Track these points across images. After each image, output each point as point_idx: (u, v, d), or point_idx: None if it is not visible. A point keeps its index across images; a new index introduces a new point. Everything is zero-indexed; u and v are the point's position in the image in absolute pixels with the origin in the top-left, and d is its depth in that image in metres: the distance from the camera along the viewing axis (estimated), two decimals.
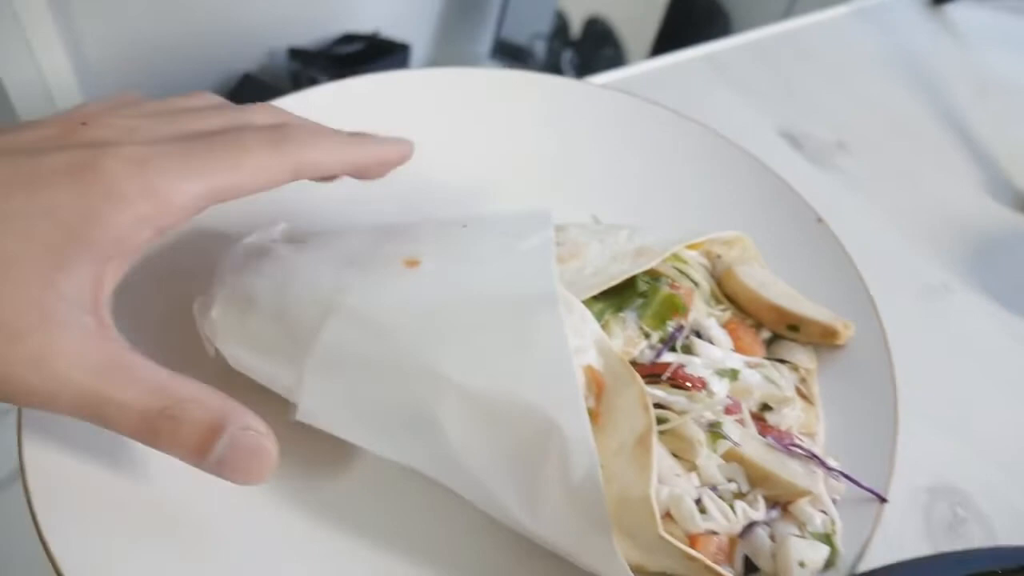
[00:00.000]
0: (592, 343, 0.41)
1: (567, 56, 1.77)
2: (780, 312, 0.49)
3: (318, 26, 1.35)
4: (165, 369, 0.36)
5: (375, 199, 0.50)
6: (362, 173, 0.44)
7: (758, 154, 0.60)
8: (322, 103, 0.57)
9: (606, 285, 0.43)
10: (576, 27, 1.90)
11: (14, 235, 0.35)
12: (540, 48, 1.68)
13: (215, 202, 0.39)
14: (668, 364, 0.43)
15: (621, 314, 0.44)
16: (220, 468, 0.36)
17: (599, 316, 0.43)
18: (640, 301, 0.45)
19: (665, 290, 0.45)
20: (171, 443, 0.36)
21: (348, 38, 1.36)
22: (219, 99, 0.44)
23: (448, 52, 1.53)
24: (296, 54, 1.30)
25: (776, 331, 0.49)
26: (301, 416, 0.42)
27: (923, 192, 0.66)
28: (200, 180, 0.38)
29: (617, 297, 0.45)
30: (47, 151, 0.37)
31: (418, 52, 1.46)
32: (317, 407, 0.42)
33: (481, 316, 0.40)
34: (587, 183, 0.58)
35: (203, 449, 0.36)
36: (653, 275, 0.47)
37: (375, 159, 0.44)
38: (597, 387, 0.40)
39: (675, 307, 0.45)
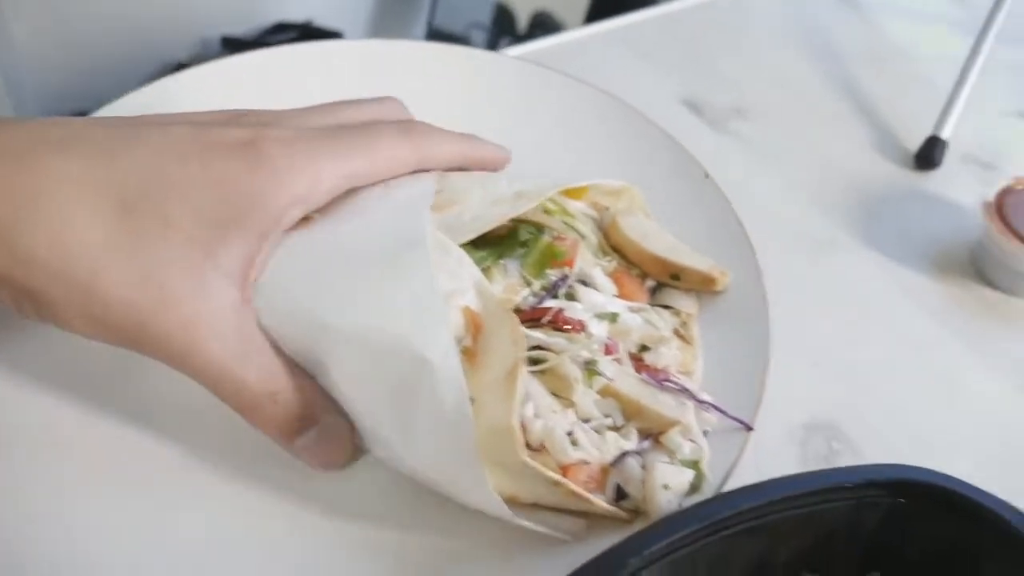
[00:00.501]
0: (471, 285, 0.43)
1: (504, 43, 1.79)
2: (662, 262, 0.51)
3: (251, 15, 1.35)
4: (279, 355, 0.41)
5: None
6: (465, 168, 0.49)
7: (661, 120, 0.62)
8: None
9: (484, 229, 0.44)
10: (523, 21, 1.92)
11: (187, 203, 0.38)
12: (479, 38, 1.69)
13: (351, 185, 0.43)
14: (549, 309, 0.45)
15: (502, 262, 0.46)
16: (302, 452, 0.42)
17: (480, 263, 0.45)
18: (522, 251, 0.47)
19: (546, 240, 0.47)
20: (267, 422, 0.40)
21: (281, 27, 1.36)
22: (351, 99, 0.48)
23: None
24: (229, 43, 1.30)
25: (660, 279, 0.52)
26: None
27: (816, 153, 0.69)
28: (343, 163, 0.42)
29: (499, 246, 0.47)
30: (220, 125, 0.41)
31: (352, 40, 1.46)
32: None
33: (357, 263, 0.42)
34: None
35: (293, 434, 0.41)
36: (538, 227, 0.49)
37: (482, 158, 0.49)
38: (475, 327, 0.42)
39: (554, 256, 0.46)
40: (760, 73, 0.76)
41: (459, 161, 0.48)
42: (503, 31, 1.83)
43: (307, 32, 1.39)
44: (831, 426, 0.52)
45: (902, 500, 0.40)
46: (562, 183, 0.48)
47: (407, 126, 0.46)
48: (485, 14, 1.74)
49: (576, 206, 0.52)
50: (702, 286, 0.51)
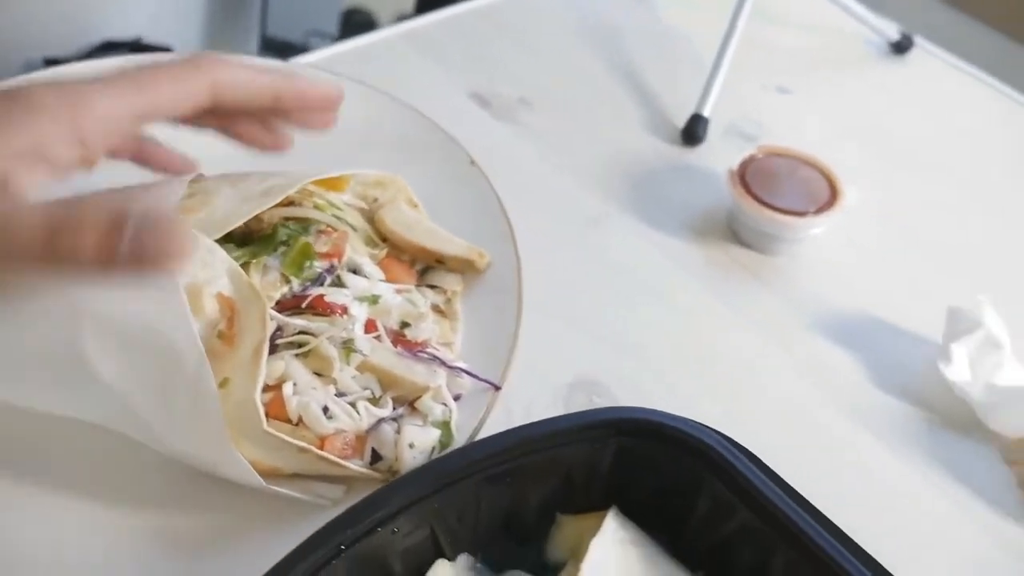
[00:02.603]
0: (224, 272, 0.46)
1: (320, 46, 1.80)
2: (424, 250, 0.55)
3: (76, 35, 1.33)
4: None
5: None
6: (286, 108, 0.46)
7: (450, 113, 0.67)
8: None
9: (233, 225, 0.48)
10: (384, 21, 1.93)
11: None
12: (319, 45, 1.70)
13: (138, 123, 0.41)
14: (308, 296, 0.49)
15: (258, 261, 0.49)
16: (135, 262, 0.36)
17: (238, 260, 0.48)
18: (283, 249, 0.50)
19: (304, 239, 0.50)
20: (76, 255, 0.35)
21: (109, 46, 1.35)
22: None
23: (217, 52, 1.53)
24: (52, 64, 1.29)
25: (427, 263, 0.56)
26: None
27: (594, 137, 0.75)
28: (120, 97, 0.40)
29: (257, 246, 0.50)
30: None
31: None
32: None
33: None
34: None
35: (109, 248, 0.35)
36: (304, 224, 0.52)
37: (300, 92, 0.46)
38: (230, 311, 0.45)
39: (309, 255, 0.50)
40: (544, 66, 0.81)
41: (268, 93, 0.45)
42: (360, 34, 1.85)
43: (136, 49, 1.38)
44: (594, 383, 0.57)
45: (625, 438, 0.46)
46: (313, 175, 0.52)
47: (197, 57, 0.43)
48: (330, 21, 1.76)
49: (344, 199, 0.56)
50: (465, 267, 0.55)
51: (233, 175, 0.51)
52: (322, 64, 0.76)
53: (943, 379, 0.57)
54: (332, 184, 0.55)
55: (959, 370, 0.57)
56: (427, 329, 0.51)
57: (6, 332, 0.44)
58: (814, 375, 0.59)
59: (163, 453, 0.46)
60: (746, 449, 0.45)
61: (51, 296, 0.44)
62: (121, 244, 0.35)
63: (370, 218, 0.56)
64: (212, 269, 0.45)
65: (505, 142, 0.73)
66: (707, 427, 0.46)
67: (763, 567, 0.43)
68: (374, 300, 0.50)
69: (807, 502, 0.43)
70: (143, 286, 0.42)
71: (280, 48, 1.59)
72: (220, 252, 0.46)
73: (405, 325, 0.51)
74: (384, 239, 0.56)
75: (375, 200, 0.57)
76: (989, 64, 0.89)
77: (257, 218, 0.50)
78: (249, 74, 0.44)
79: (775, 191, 0.65)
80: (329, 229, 0.52)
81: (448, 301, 0.54)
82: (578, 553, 0.45)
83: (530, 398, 0.54)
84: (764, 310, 0.63)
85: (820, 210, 0.64)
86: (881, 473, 0.54)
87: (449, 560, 0.44)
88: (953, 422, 0.57)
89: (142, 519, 0.45)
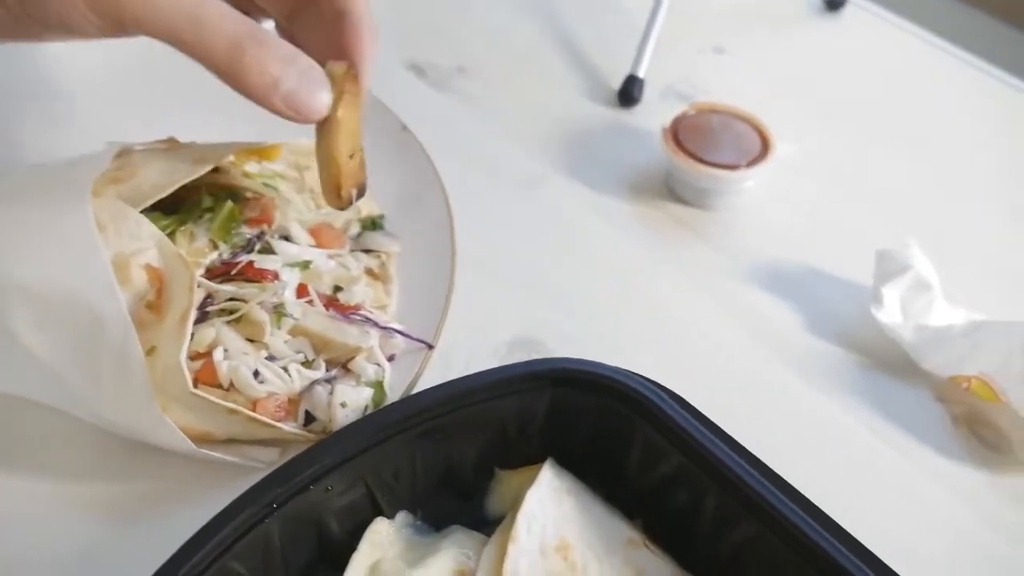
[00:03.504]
0: (152, 244, 0.46)
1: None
2: None
3: None
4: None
5: None
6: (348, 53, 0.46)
7: (387, 84, 0.66)
8: None
9: (162, 194, 0.47)
10: None
11: None
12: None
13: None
14: (238, 263, 0.49)
15: (185, 228, 0.49)
16: (285, 100, 0.41)
17: (164, 230, 0.48)
18: (208, 215, 0.50)
19: (228, 204, 0.50)
20: (248, 80, 0.39)
21: None
22: None
23: None
24: None
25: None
26: None
27: (532, 102, 0.75)
28: None
29: (184, 214, 0.49)
30: None
31: None
32: None
33: (32, 226, 0.44)
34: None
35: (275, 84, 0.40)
36: (231, 190, 0.52)
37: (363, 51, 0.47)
38: (158, 282, 0.45)
39: (235, 219, 0.50)
40: (481, 34, 0.81)
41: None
42: None
43: None
44: (533, 340, 0.57)
45: (558, 389, 0.46)
46: (242, 144, 0.51)
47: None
48: None
49: (275, 168, 0.55)
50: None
51: (165, 149, 0.51)
52: None
53: (875, 322, 0.58)
54: (263, 153, 0.55)
55: (890, 312, 0.58)
56: (360, 292, 0.51)
57: None
58: (750, 325, 0.60)
59: (96, 424, 0.45)
60: (675, 394, 0.45)
61: None
62: (287, 82, 0.40)
63: (302, 187, 0.56)
64: (140, 240, 0.45)
65: (442, 110, 0.73)
66: (637, 375, 0.46)
67: (696, 509, 0.44)
68: (305, 265, 0.50)
69: (737, 443, 0.44)
70: (68, 255, 0.42)
71: None
72: (147, 223, 0.46)
73: (338, 289, 0.51)
74: (319, 206, 0.55)
75: (307, 168, 0.57)
76: (932, 22, 0.91)
77: (186, 188, 0.50)
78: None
79: (708, 147, 0.65)
80: (258, 195, 0.52)
81: (382, 264, 0.54)
82: (516, 507, 0.45)
83: (469, 357, 0.54)
84: (701, 263, 0.64)
85: (752, 163, 0.65)
86: (815, 416, 0.55)
87: (388, 518, 0.44)
88: (886, 364, 0.58)
89: (75, 489, 0.45)
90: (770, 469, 0.43)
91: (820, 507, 0.41)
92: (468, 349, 0.55)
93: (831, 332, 0.60)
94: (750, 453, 0.43)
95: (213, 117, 0.60)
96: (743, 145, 0.66)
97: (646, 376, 0.46)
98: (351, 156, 0.45)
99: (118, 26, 0.38)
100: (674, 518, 0.45)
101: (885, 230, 0.67)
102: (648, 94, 0.76)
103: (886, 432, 0.55)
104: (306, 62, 0.41)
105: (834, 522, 0.41)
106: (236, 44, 0.39)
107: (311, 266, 0.50)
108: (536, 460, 0.47)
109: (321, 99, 0.42)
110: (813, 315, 0.60)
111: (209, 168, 0.49)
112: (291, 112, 0.41)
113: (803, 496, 0.42)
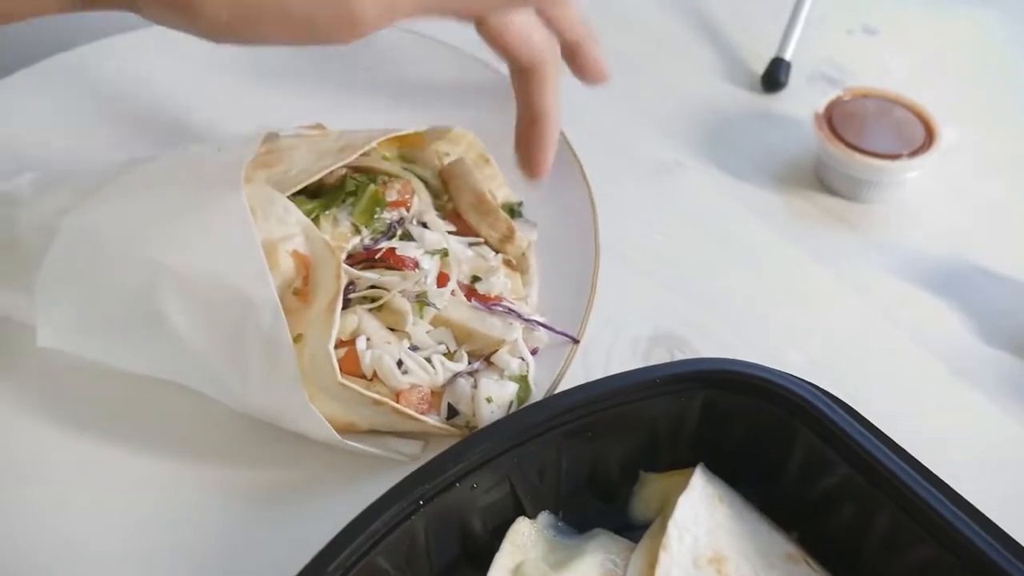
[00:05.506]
0: (299, 230, 0.45)
1: None
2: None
3: None
4: None
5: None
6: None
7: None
8: None
9: (309, 180, 0.47)
10: None
11: None
12: None
13: None
14: (380, 249, 0.48)
15: (331, 212, 0.48)
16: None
17: (309, 215, 0.47)
18: (351, 200, 0.49)
19: (373, 187, 0.49)
20: None
21: None
22: None
23: None
24: None
25: None
26: (43, 341, 0.46)
27: (667, 84, 0.72)
28: None
29: (328, 198, 0.49)
30: None
31: None
32: (56, 327, 0.46)
33: (185, 211, 0.44)
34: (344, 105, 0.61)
35: None
36: (370, 175, 0.51)
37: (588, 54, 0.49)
38: (305, 268, 0.45)
39: (379, 202, 0.49)
40: (617, 19, 0.78)
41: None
42: None
43: None
44: (675, 336, 0.54)
45: (712, 391, 0.43)
46: (389, 131, 0.50)
47: None
48: None
49: (416, 154, 0.54)
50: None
51: (312, 135, 0.50)
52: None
53: None
54: (408, 141, 0.54)
55: None
56: (498, 283, 0.49)
57: (88, 289, 0.45)
58: (911, 327, 0.55)
59: (240, 410, 0.45)
60: (841, 400, 0.42)
61: (131, 253, 0.44)
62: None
63: (440, 174, 0.55)
64: (288, 227, 0.45)
65: (570, 92, 0.70)
66: (798, 378, 0.43)
67: (864, 526, 0.41)
68: (444, 254, 0.49)
69: (910, 455, 0.40)
70: (222, 242, 0.42)
71: None
72: (295, 210, 0.45)
73: (476, 279, 0.50)
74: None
75: (447, 155, 0.55)
76: None
77: (328, 174, 0.49)
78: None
79: (865, 134, 0.61)
80: (392, 178, 0.51)
81: (522, 254, 0.52)
82: (665, 512, 0.43)
83: (608, 352, 0.52)
84: (855, 259, 0.59)
85: (915, 153, 0.60)
86: (987, 428, 0.51)
87: (530, 518, 0.43)
88: None
89: (221, 475, 0.45)
90: (950, 487, 0.39)
91: (1006, 532, 0.38)
92: (606, 344, 0.53)
93: (1002, 337, 0.55)
94: (927, 468, 0.40)
95: (357, 102, 0.61)
96: (904, 133, 0.61)
97: (806, 379, 0.43)
98: None
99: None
100: (837, 534, 0.42)
101: None
102: (794, 78, 0.71)
103: None
104: None
105: (1022, 547, 0.37)
106: None
107: (449, 254, 0.49)
108: (684, 465, 0.45)
109: None
110: (982, 318, 0.56)
111: (357, 155, 0.48)
112: None
113: (987, 518, 0.38)
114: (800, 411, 0.42)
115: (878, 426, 0.41)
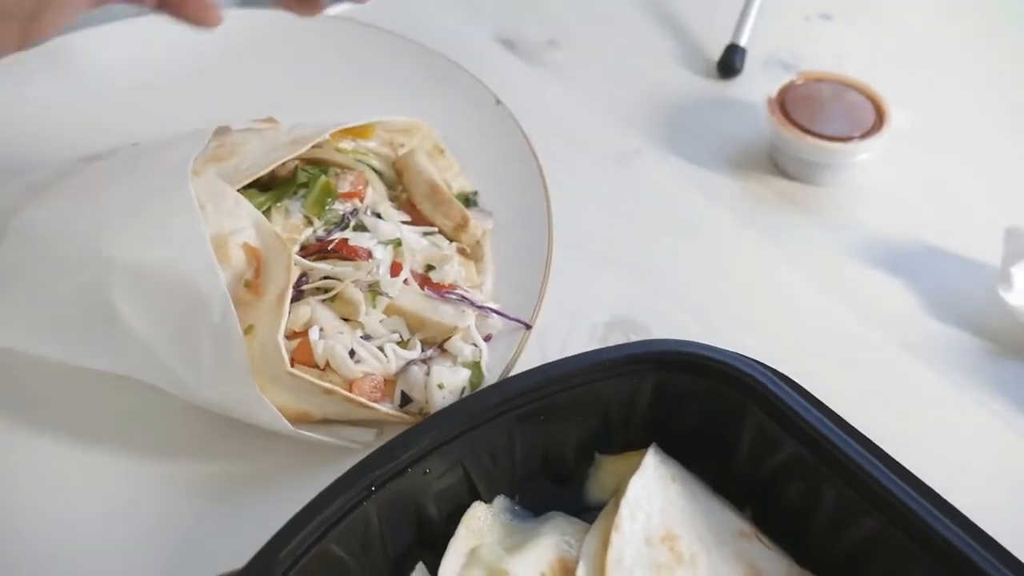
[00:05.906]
0: (250, 223, 0.45)
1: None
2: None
3: None
4: None
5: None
6: None
7: (477, 58, 0.65)
8: None
9: (260, 173, 0.47)
10: None
11: None
12: None
13: None
14: (333, 240, 0.48)
15: (280, 204, 0.48)
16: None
17: (260, 207, 0.47)
18: (303, 192, 0.49)
19: (323, 179, 0.49)
20: None
21: None
22: None
23: None
24: None
25: None
26: None
27: (626, 74, 0.72)
28: None
29: (279, 190, 0.49)
30: None
31: None
32: (7, 326, 0.45)
33: (134, 207, 0.44)
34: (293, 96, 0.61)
35: None
36: (322, 166, 0.51)
37: None
38: (256, 261, 0.45)
39: (330, 193, 0.49)
40: (572, 6, 0.78)
41: None
42: None
43: None
44: (631, 321, 0.55)
45: (664, 372, 0.44)
46: (340, 124, 0.50)
47: None
48: None
49: (369, 145, 0.54)
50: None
51: (263, 128, 0.50)
52: (349, 12, 0.74)
53: (1004, 305, 0.54)
54: (359, 132, 0.54)
55: (1021, 294, 0.54)
56: (453, 271, 0.49)
57: (38, 287, 0.44)
58: (863, 306, 0.56)
59: (195, 403, 0.45)
60: (787, 377, 0.43)
61: (81, 250, 0.43)
62: None
63: (393, 164, 0.55)
64: (238, 220, 0.45)
65: (533, 84, 0.71)
66: (746, 357, 0.44)
67: (813, 502, 0.41)
68: (397, 243, 0.49)
69: (859, 433, 0.41)
70: (169, 235, 0.42)
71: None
72: (245, 203, 0.45)
73: (430, 268, 0.50)
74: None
75: (401, 145, 0.55)
76: None
77: (280, 166, 0.49)
78: None
79: (817, 118, 0.61)
80: (345, 169, 0.51)
81: (476, 242, 0.53)
82: (619, 493, 0.43)
83: (565, 338, 0.53)
84: (808, 241, 0.60)
85: (866, 135, 0.61)
86: (940, 404, 0.52)
87: (486, 503, 0.43)
88: (1017, 349, 0.54)
89: (173, 468, 0.45)
90: (896, 461, 0.40)
91: (952, 503, 0.38)
92: (563, 330, 0.53)
93: (954, 315, 0.56)
94: (874, 444, 0.40)
95: (309, 97, 0.60)
96: (855, 116, 0.62)
97: (757, 359, 0.43)
98: None
99: None
100: (787, 510, 0.43)
101: (1013, 206, 0.62)
102: (749, 64, 0.72)
103: (1016, 421, 0.51)
104: None
105: (967, 519, 0.38)
106: None
107: (403, 243, 0.49)
108: (637, 446, 0.45)
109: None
110: (934, 297, 0.56)
111: (308, 147, 0.48)
112: None
113: (933, 491, 0.39)
114: (749, 390, 0.43)
115: (831, 405, 0.41)
